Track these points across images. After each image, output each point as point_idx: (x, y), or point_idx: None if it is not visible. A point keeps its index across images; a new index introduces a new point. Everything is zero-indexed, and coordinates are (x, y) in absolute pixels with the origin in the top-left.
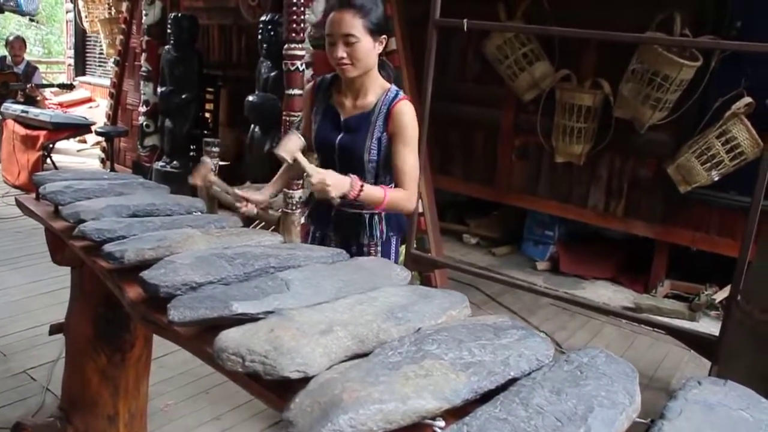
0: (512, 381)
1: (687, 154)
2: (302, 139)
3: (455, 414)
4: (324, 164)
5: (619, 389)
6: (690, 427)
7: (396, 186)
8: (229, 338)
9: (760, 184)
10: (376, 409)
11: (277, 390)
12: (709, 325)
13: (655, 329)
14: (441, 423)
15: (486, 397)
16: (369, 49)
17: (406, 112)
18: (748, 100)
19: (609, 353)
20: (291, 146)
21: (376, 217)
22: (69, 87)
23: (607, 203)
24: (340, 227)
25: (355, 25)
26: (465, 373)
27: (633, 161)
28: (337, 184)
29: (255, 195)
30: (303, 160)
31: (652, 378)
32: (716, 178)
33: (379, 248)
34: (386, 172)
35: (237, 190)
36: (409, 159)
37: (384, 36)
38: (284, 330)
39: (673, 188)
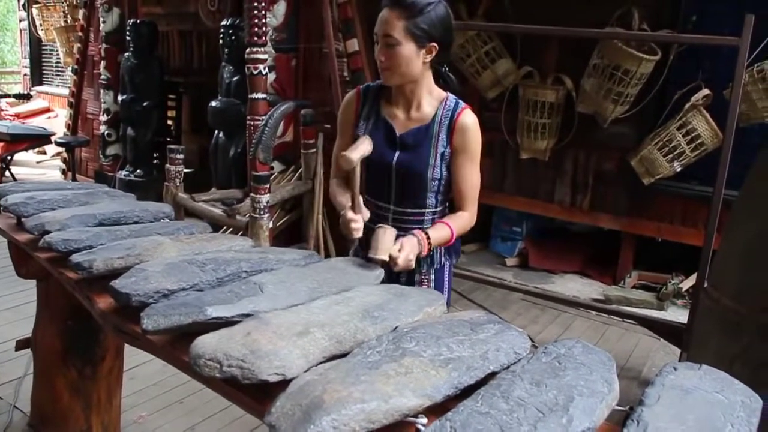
0: (492, 375)
1: (649, 146)
2: (394, 231)
3: (437, 410)
4: (375, 184)
5: (597, 378)
6: (668, 411)
7: (456, 203)
8: (205, 344)
9: (721, 174)
10: (359, 408)
11: (255, 395)
12: (677, 314)
13: (625, 320)
14: (423, 420)
15: (467, 392)
16: (409, 56)
17: (471, 124)
18: (706, 91)
19: (586, 343)
20: (388, 243)
21: None
22: (26, 97)
23: (573, 197)
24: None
25: (397, 26)
26: (445, 369)
27: (597, 155)
28: (414, 250)
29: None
30: (394, 251)
31: (624, 367)
32: (678, 169)
33: (432, 276)
34: (449, 189)
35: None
36: (474, 176)
37: (434, 44)
38: (261, 333)
39: (637, 180)
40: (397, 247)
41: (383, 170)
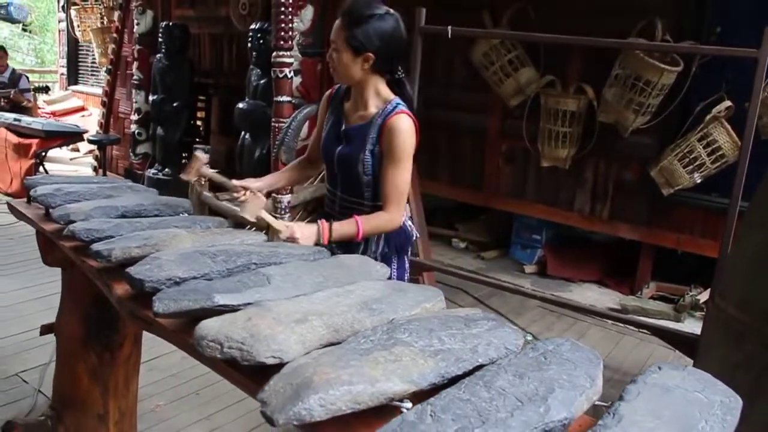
0: (480, 367)
1: (669, 157)
2: (264, 199)
3: (422, 397)
4: (327, 173)
5: (581, 373)
6: (645, 407)
7: (381, 202)
8: (208, 327)
9: (737, 186)
10: (345, 390)
11: (253, 376)
12: (693, 326)
13: (640, 330)
14: (408, 404)
15: (453, 381)
16: (346, 62)
17: (399, 127)
18: (728, 103)
19: (575, 342)
20: (254, 207)
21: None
22: (45, 90)
23: (593, 206)
24: (339, 244)
25: (340, 35)
26: (433, 359)
27: (617, 165)
28: (306, 234)
29: (253, 183)
30: (267, 217)
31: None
32: (698, 181)
33: None
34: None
35: (234, 181)
36: (396, 178)
37: (369, 54)
38: (261, 319)
39: (657, 191)
40: (285, 223)
41: (330, 161)
